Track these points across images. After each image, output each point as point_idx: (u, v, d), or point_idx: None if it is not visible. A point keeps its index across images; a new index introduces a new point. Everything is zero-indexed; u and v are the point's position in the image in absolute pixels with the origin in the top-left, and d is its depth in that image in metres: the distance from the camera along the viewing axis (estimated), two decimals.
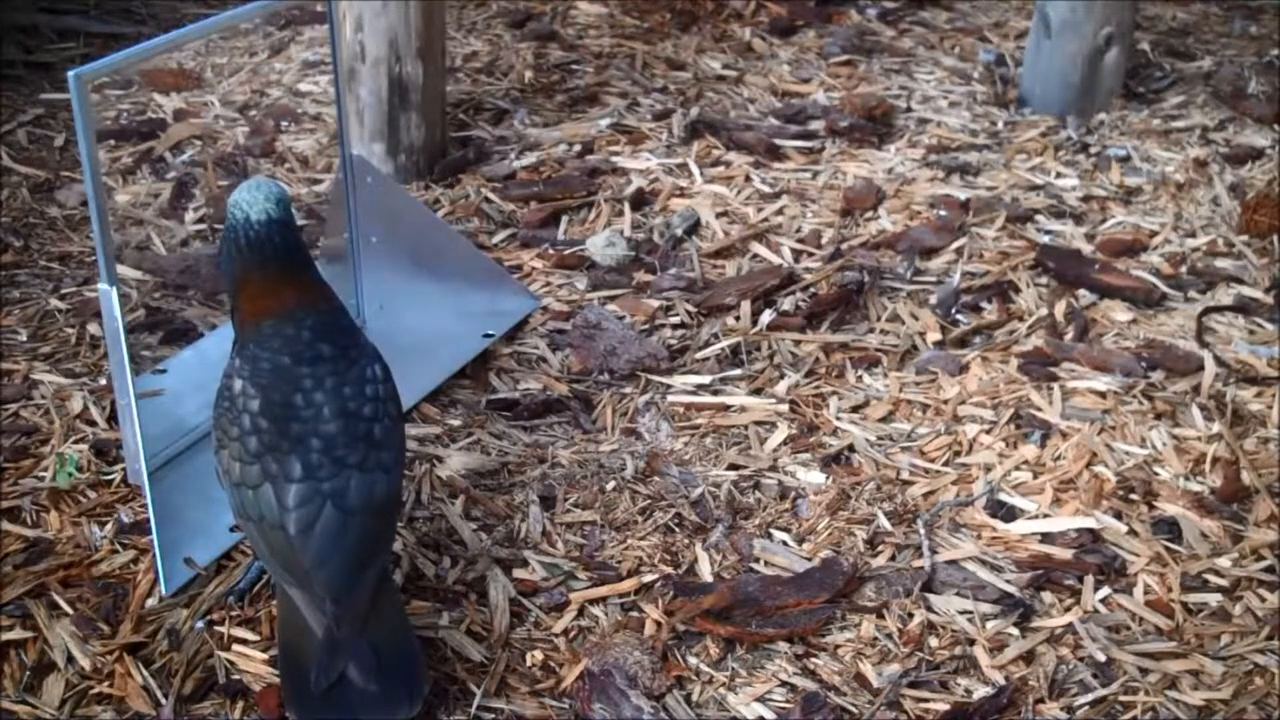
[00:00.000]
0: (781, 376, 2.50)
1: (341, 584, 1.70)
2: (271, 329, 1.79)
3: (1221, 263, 2.90)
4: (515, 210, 3.00)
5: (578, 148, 3.25)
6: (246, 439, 1.75)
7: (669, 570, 2.05)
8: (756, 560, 2.08)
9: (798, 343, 2.59)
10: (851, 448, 2.33)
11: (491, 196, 3.04)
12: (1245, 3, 4.29)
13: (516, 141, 3.28)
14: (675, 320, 2.64)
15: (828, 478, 2.26)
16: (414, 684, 1.73)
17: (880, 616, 1.99)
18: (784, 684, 1.88)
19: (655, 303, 2.68)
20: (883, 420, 2.41)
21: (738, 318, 2.64)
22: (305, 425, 1.75)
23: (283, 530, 1.71)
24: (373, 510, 1.74)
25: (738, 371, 2.51)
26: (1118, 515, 2.20)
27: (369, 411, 1.78)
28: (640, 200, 3.05)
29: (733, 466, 2.27)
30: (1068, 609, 2.03)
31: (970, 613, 2.01)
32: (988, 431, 2.37)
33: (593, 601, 1.99)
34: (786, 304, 2.67)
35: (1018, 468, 2.30)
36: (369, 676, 1.68)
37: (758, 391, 2.46)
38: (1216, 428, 2.39)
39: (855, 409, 2.43)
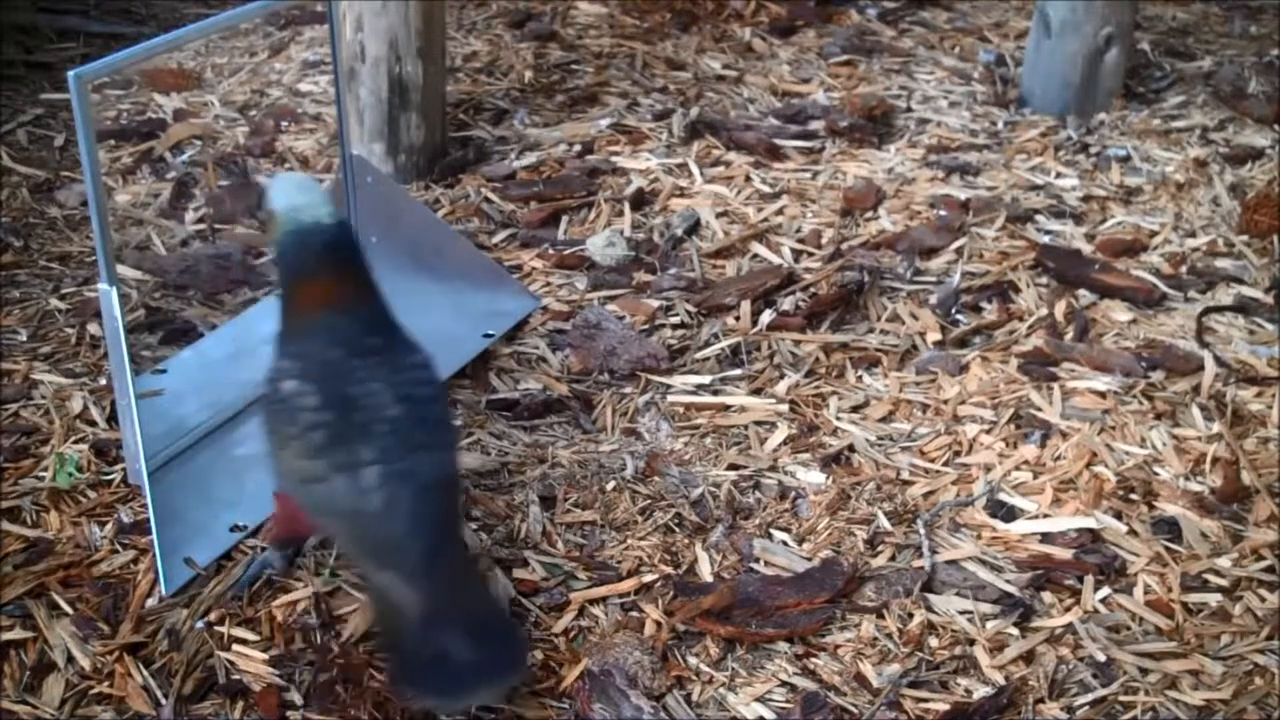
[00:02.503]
0: (781, 376, 2.50)
1: (431, 559, 1.70)
2: (324, 322, 1.81)
3: (1221, 263, 2.91)
4: (515, 210, 3.00)
5: (578, 148, 3.25)
6: (310, 434, 1.75)
7: (669, 570, 2.05)
8: (756, 560, 2.08)
9: (798, 343, 2.59)
10: (851, 448, 2.33)
11: (491, 196, 3.04)
12: (1245, 3, 4.29)
13: (516, 141, 3.28)
14: (675, 320, 2.64)
15: (828, 478, 2.26)
16: (516, 650, 1.76)
17: (880, 616, 1.99)
18: (784, 684, 1.88)
19: (655, 303, 2.68)
20: (883, 420, 2.41)
21: (738, 318, 2.64)
22: (368, 413, 1.76)
23: (365, 515, 1.72)
24: (445, 485, 1.78)
25: (738, 371, 2.51)
26: (1118, 515, 2.20)
27: (423, 394, 1.82)
28: (640, 200, 3.05)
29: (733, 466, 2.27)
30: (1068, 609, 2.03)
31: (970, 613, 2.01)
32: (988, 431, 2.37)
33: (593, 601, 1.99)
34: (786, 304, 2.67)
35: (1018, 468, 2.30)
36: (471, 647, 1.69)
37: (758, 391, 2.46)
38: (1216, 428, 2.39)
39: (855, 409, 2.44)
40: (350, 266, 1.86)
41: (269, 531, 2.05)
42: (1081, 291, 2.78)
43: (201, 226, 2.87)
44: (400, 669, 1.73)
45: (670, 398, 2.43)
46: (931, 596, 2.03)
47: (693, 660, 1.91)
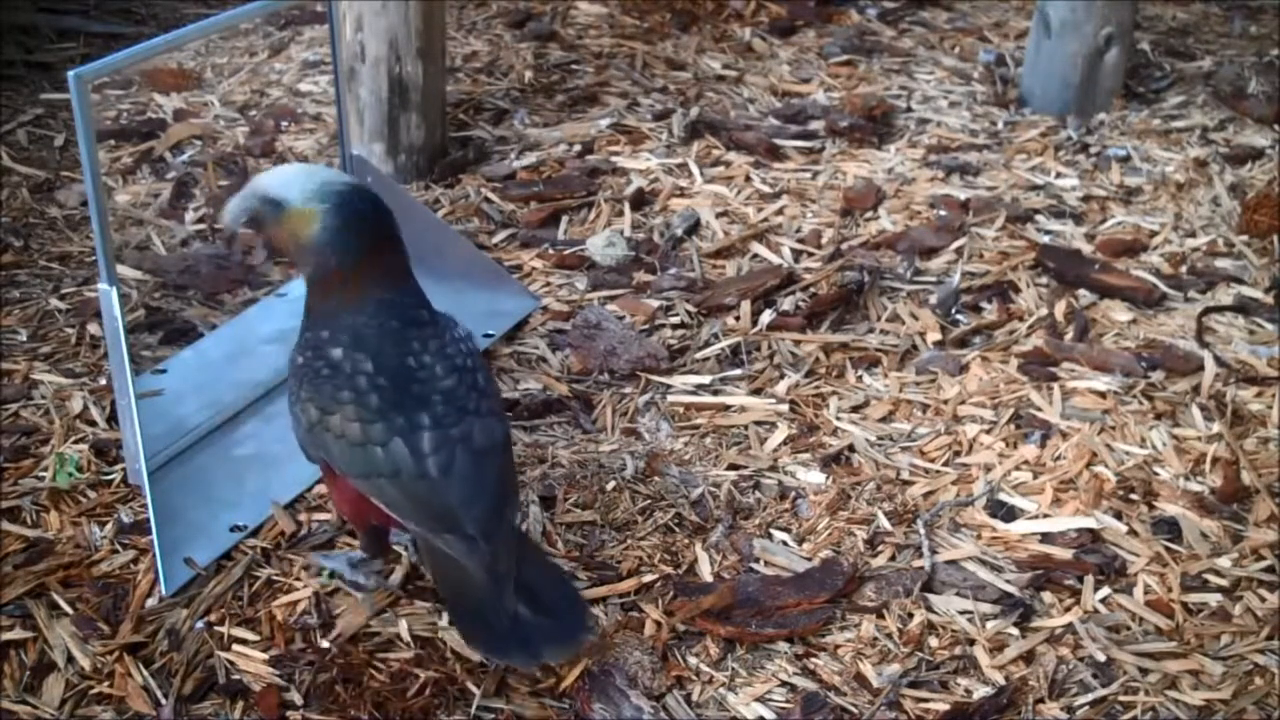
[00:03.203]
0: (781, 376, 2.50)
1: (490, 521, 1.73)
2: (375, 299, 1.81)
3: (1221, 263, 2.91)
4: (515, 210, 3.00)
5: (578, 148, 3.25)
6: (366, 397, 1.76)
7: (669, 570, 2.05)
8: (756, 560, 2.08)
9: (798, 343, 2.59)
10: (851, 448, 2.33)
11: (491, 196, 3.04)
12: (1245, 3, 4.29)
13: (516, 141, 3.28)
14: (675, 320, 2.64)
15: (828, 478, 2.26)
16: (580, 611, 1.81)
17: (880, 616, 1.99)
18: (784, 684, 1.88)
19: (655, 303, 2.68)
20: (883, 420, 2.41)
21: (738, 318, 2.64)
22: (425, 385, 1.78)
23: (424, 478, 1.73)
24: (498, 450, 1.80)
25: (738, 371, 2.51)
26: (1118, 515, 2.20)
27: (470, 364, 1.84)
28: (640, 200, 3.05)
29: (733, 466, 2.27)
30: (1068, 609, 2.03)
31: (970, 613, 2.01)
32: (988, 431, 2.37)
33: (593, 601, 1.98)
34: (786, 304, 2.68)
35: (1018, 468, 2.30)
36: (540, 609, 1.74)
37: (758, 391, 2.46)
38: (1216, 428, 2.39)
39: (855, 409, 2.44)
40: (395, 236, 1.86)
41: (339, 516, 2.04)
42: (1081, 291, 2.78)
43: (201, 226, 2.87)
44: (472, 631, 1.77)
45: (670, 398, 2.43)
46: (931, 596, 2.03)
47: (693, 660, 1.91)
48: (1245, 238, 2.99)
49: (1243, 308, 2.75)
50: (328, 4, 2.34)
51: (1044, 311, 2.71)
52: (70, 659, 1.86)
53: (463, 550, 1.73)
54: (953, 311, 2.71)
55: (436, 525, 1.74)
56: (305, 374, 1.82)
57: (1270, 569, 2.11)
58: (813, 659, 1.93)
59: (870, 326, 2.65)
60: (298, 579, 2.00)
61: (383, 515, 1.82)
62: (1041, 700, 1.87)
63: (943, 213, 3.03)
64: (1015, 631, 1.98)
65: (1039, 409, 2.42)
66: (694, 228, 2.95)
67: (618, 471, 2.24)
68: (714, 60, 3.76)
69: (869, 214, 3.03)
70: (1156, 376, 2.52)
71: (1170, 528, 2.18)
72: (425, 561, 1.91)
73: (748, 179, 3.16)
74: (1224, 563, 2.12)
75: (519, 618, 1.73)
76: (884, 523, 2.16)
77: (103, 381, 2.36)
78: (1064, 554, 2.12)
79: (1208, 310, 2.73)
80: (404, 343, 1.80)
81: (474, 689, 1.83)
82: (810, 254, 2.88)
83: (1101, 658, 1.94)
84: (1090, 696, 1.88)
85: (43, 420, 2.28)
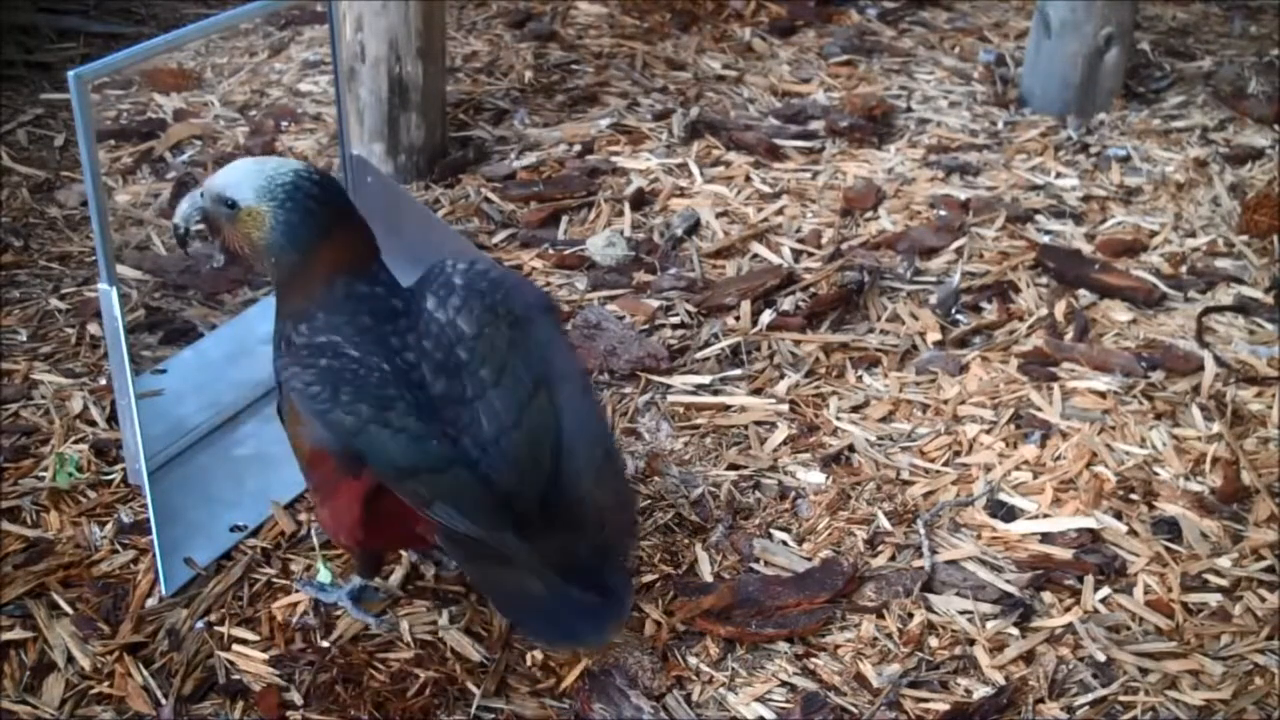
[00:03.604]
0: (781, 376, 2.50)
1: (538, 509, 1.71)
2: (341, 290, 1.73)
3: (1221, 263, 2.91)
4: (515, 210, 3.00)
5: (578, 148, 3.25)
6: (406, 393, 1.69)
7: (669, 570, 2.05)
8: (756, 560, 2.08)
9: (798, 343, 2.59)
10: (851, 448, 2.33)
11: (491, 196, 3.04)
12: (1245, 3, 4.29)
13: (516, 141, 3.28)
14: (675, 320, 2.64)
15: (828, 478, 2.26)
16: (623, 575, 1.82)
17: (880, 616, 1.99)
18: (784, 684, 1.89)
19: (655, 303, 2.68)
20: (883, 420, 2.41)
21: (738, 318, 2.64)
22: (425, 391, 1.71)
23: (474, 470, 1.68)
24: (512, 429, 1.71)
25: (738, 371, 2.51)
26: (1118, 515, 2.20)
27: (447, 348, 1.73)
28: (640, 200, 3.05)
29: (733, 466, 2.27)
30: (1068, 609, 2.03)
31: (970, 613, 2.01)
32: (988, 431, 2.37)
33: None
34: (786, 304, 2.68)
35: (1018, 468, 2.30)
36: (587, 591, 1.73)
37: (758, 391, 2.46)
38: (1216, 428, 2.39)
39: (855, 409, 2.44)
40: (353, 213, 1.78)
41: (338, 537, 1.89)
42: (1081, 291, 2.78)
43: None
44: (535, 627, 1.78)
45: (670, 398, 2.43)
46: (931, 596, 2.03)
47: (693, 660, 1.91)
48: (1245, 238, 2.99)
49: (1243, 308, 2.75)
50: (328, 4, 2.34)
51: (1044, 311, 2.71)
52: (70, 659, 1.86)
53: (521, 550, 1.69)
54: (953, 311, 2.71)
55: (490, 522, 1.68)
56: (336, 375, 1.68)
57: (1270, 569, 2.11)
58: (813, 659, 1.93)
59: (870, 326, 2.65)
60: (298, 579, 2.00)
61: (401, 532, 1.77)
62: (1041, 700, 1.87)
63: (943, 213, 3.03)
64: (1015, 631, 1.98)
65: (1039, 409, 2.42)
66: (694, 228, 2.95)
67: None
68: (714, 60, 3.76)
69: (869, 214, 3.03)
70: (1156, 376, 2.52)
71: (1170, 528, 2.18)
72: (467, 565, 1.85)
73: (748, 179, 3.16)
74: (1224, 563, 2.12)
75: (578, 599, 1.72)
76: (884, 523, 2.16)
77: (103, 381, 2.36)
78: (1064, 554, 2.12)
79: (1208, 310, 2.73)
80: (383, 339, 1.72)
81: (474, 689, 1.83)
82: (810, 254, 2.88)
83: (1101, 658, 1.94)
84: (1090, 696, 1.88)
85: (43, 420, 2.28)
